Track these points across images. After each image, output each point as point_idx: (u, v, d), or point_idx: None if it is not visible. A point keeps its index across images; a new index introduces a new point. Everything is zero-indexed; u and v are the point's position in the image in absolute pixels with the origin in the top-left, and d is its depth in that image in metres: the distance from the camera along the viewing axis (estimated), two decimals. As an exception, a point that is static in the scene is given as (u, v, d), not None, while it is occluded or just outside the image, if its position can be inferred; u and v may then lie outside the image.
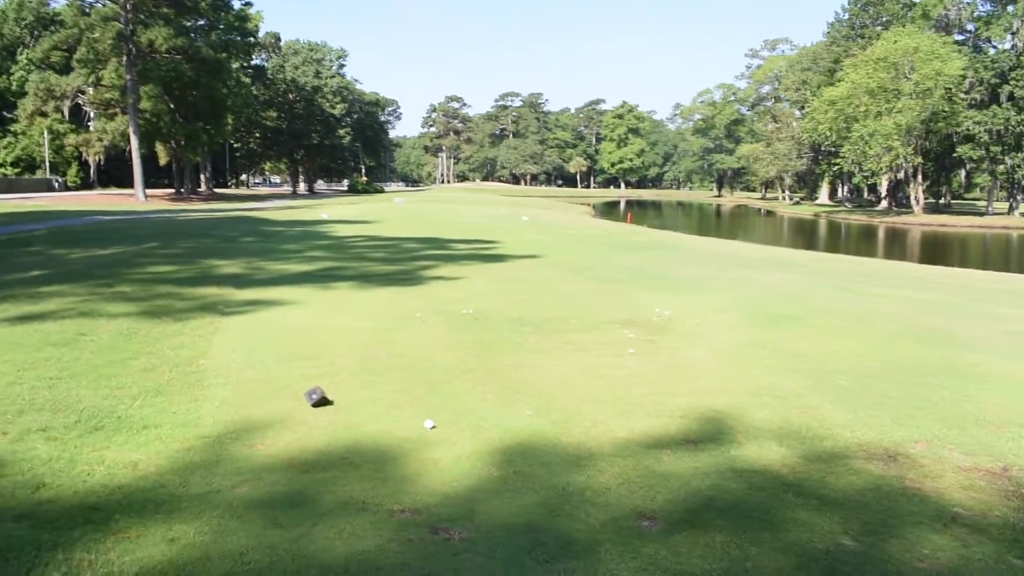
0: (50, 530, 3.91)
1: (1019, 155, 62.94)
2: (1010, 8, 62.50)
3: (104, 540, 3.84)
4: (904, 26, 66.91)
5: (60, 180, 71.00)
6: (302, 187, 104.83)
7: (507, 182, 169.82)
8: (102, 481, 4.55)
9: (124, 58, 53.46)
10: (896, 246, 42.79)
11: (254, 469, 4.86)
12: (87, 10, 55.57)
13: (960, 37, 68.58)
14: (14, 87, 71.11)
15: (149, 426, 5.49)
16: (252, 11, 72.73)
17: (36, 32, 70.32)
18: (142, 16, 55.66)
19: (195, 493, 4.46)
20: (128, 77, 53.61)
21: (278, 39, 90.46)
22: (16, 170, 74.98)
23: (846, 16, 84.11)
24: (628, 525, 4.25)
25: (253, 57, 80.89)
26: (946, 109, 60.97)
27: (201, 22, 65.04)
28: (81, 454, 4.92)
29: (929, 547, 4.04)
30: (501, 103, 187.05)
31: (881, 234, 52.72)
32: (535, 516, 4.33)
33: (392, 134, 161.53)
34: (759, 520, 4.31)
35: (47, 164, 72.33)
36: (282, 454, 5.13)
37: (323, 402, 6.14)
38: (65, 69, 60.49)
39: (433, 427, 5.71)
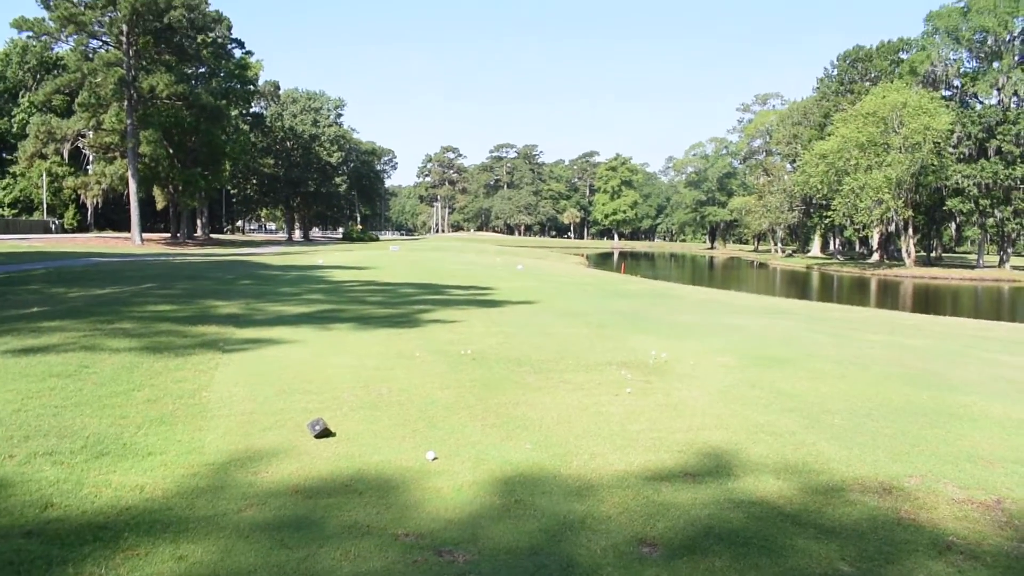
0: (59, 546, 3.97)
1: (1008, 208, 63.87)
2: (995, 64, 63.93)
3: (113, 556, 3.90)
4: (892, 82, 68.31)
5: (57, 222, 71.51)
6: (297, 234, 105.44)
7: (501, 232, 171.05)
8: (109, 502, 4.61)
9: (125, 103, 54.21)
10: (888, 297, 43.08)
11: (259, 494, 4.92)
12: (90, 55, 56.48)
13: (947, 93, 69.98)
14: (15, 129, 72.16)
15: (154, 452, 5.56)
16: (252, 60, 74.33)
17: (38, 75, 71.43)
18: (144, 62, 56.61)
19: (202, 515, 4.52)
20: (128, 122, 54.27)
21: (277, 87, 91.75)
22: (13, 211, 75.68)
23: (835, 72, 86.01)
24: (629, 551, 4.31)
25: (252, 105, 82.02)
26: (935, 163, 61.99)
27: (202, 69, 66.10)
28: (88, 477, 4.98)
29: (925, 573, 4.12)
30: (496, 154, 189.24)
31: (873, 286, 53.07)
32: (537, 541, 4.40)
33: (388, 183, 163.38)
34: (758, 547, 4.39)
35: (44, 206, 72.87)
36: (286, 481, 5.19)
37: (325, 433, 6.22)
38: (66, 112, 61.27)
39: (435, 458, 5.78)
